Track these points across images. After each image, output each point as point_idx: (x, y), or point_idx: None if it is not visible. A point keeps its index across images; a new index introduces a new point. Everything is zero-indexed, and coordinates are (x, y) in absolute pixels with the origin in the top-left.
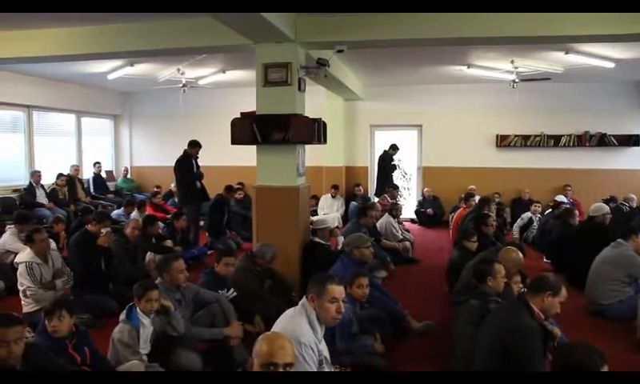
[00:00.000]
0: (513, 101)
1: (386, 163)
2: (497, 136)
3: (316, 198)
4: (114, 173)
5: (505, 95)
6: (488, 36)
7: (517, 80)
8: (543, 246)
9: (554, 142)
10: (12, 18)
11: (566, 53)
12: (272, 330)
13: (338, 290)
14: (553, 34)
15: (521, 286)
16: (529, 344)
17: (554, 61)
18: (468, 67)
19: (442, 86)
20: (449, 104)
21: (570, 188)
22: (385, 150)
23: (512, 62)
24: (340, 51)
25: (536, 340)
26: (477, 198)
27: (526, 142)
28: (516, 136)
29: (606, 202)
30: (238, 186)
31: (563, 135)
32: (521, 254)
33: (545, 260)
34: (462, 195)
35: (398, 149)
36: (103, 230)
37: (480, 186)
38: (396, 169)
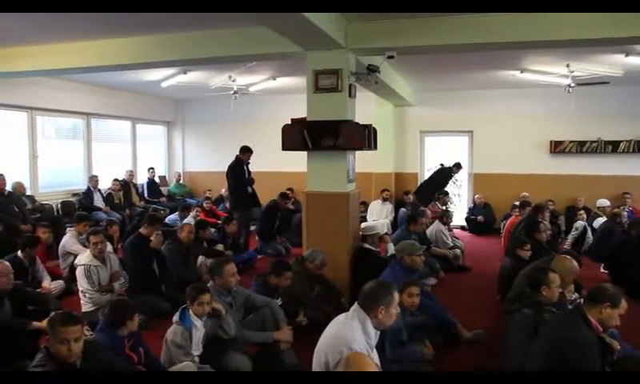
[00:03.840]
0: (568, 106)
1: (445, 179)
2: (551, 142)
3: (365, 205)
4: (167, 178)
5: (559, 100)
6: (543, 39)
7: (572, 84)
8: (600, 255)
9: (612, 148)
10: (72, 30)
11: (627, 55)
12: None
13: (398, 296)
14: (613, 35)
15: (576, 295)
16: (586, 357)
17: (613, 64)
18: (521, 72)
19: (493, 90)
20: (501, 109)
21: (629, 196)
22: (447, 165)
23: (568, 65)
24: (390, 57)
25: (594, 353)
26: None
27: (581, 148)
28: (571, 142)
29: None
30: (287, 191)
31: (622, 141)
32: (576, 263)
33: (602, 270)
34: (516, 202)
35: (461, 168)
36: (154, 234)
37: (533, 193)
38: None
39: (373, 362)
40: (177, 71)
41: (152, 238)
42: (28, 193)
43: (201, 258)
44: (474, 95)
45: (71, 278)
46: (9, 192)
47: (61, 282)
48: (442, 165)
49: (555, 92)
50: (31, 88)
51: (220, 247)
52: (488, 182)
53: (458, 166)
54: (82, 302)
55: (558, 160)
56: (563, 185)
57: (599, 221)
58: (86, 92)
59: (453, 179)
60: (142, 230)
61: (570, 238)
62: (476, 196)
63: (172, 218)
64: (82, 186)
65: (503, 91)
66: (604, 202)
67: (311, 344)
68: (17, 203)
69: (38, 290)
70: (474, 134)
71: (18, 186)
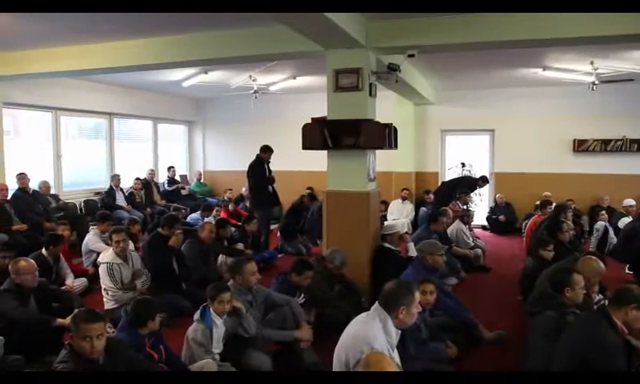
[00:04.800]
0: (592, 103)
1: (470, 188)
2: (574, 140)
3: (385, 204)
4: (188, 177)
5: (583, 98)
6: (566, 37)
7: (596, 82)
8: (625, 255)
9: (638, 146)
10: (95, 32)
11: None
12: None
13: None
14: (638, 32)
15: (600, 297)
16: (611, 359)
17: (638, 60)
18: (543, 69)
19: (515, 89)
20: (523, 108)
21: None
22: (473, 176)
23: (592, 62)
24: (411, 56)
25: (619, 356)
26: (553, 205)
27: (605, 146)
28: (595, 140)
29: None
30: (308, 190)
31: None
32: (601, 264)
33: (627, 271)
34: (537, 202)
35: (487, 182)
36: (175, 233)
37: (555, 193)
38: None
39: (393, 361)
40: (198, 71)
41: (172, 238)
42: (52, 192)
43: (221, 257)
44: (495, 93)
45: (92, 277)
46: (34, 191)
47: (84, 279)
48: (462, 164)
49: (579, 90)
50: (55, 89)
51: (240, 246)
52: (509, 181)
53: (484, 180)
54: (104, 299)
55: (582, 159)
56: (587, 184)
57: (624, 220)
58: (109, 92)
59: (476, 192)
60: (160, 230)
61: (593, 240)
62: (497, 195)
63: (193, 216)
64: (104, 184)
65: (525, 89)
66: (630, 202)
67: (331, 343)
68: (42, 202)
69: (62, 288)
70: (495, 133)
71: (44, 185)
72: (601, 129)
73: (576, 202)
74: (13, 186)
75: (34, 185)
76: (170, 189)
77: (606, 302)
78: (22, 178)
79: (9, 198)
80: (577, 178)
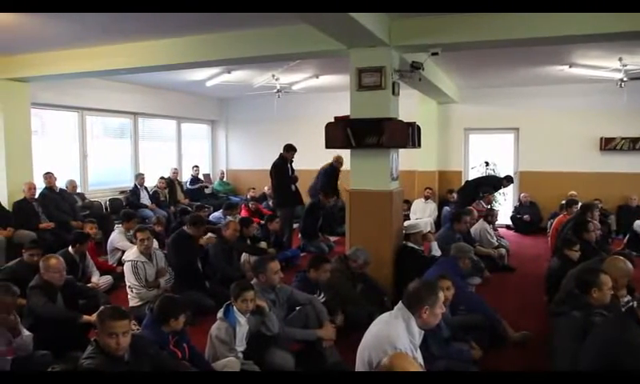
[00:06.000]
0: (620, 101)
1: (494, 188)
2: (601, 139)
3: (408, 203)
4: (211, 176)
5: (611, 95)
6: (593, 33)
7: (625, 79)
8: None
9: None
10: (120, 33)
11: None
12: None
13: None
14: None
15: (628, 298)
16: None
17: None
18: (570, 67)
19: (540, 87)
20: (548, 106)
21: None
22: (497, 175)
23: (620, 59)
24: (435, 54)
25: None
26: (579, 205)
27: (634, 144)
28: (623, 139)
29: None
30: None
31: None
32: (629, 264)
33: None
34: (563, 201)
35: (512, 182)
36: (207, 235)
37: (581, 192)
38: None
39: (416, 362)
40: (221, 70)
41: (203, 238)
42: (78, 190)
43: (244, 256)
44: (520, 91)
45: (118, 275)
46: (60, 189)
47: (109, 277)
48: (486, 163)
49: (606, 87)
50: (82, 89)
51: (263, 244)
52: (534, 180)
53: (508, 180)
54: (129, 296)
55: (609, 157)
56: (614, 183)
57: None
58: (134, 92)
59: (500, 191)
60: (185, 228)
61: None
62: (522, 194)
63: (216, 215)
64: (129, 183)
65: (551, 87)
66: None
67: (354, 342)
68: (68, 200)
69: (88, 285)
70: (519, 131)
71: (71, 184)
72: (629, 127)
73: (603, 201)
74: (40, 184)
75: (60, 184)
76: (192, 187)
77: (635, 303)
78: (48, 177)
79: (36, 196)
80: (604, 176)
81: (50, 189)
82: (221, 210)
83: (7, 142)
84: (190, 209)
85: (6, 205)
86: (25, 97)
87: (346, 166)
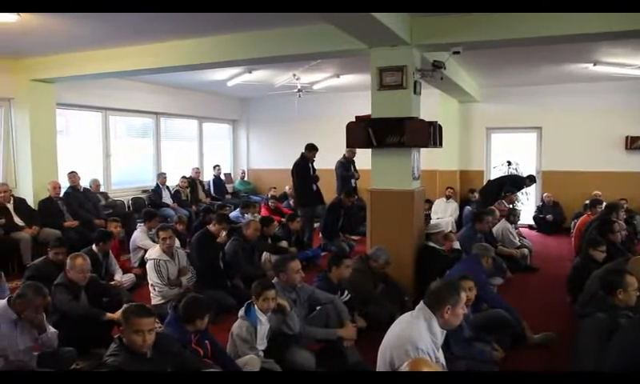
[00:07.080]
0: None
1: (516, 188)
2: (626, 137)
3: (429, 202)
4: (232, 175)
5: (637, 93)
6: (618, 30)
7: None
8: None
9: None
10: (144, 33)
11: None
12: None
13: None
14: None
15: None
16: None
17: None
18: (594, 64)
19: (564, 85)
20: (571, 104)
21: None
22: (520, 174)
23: None
24: (456, 53)
25: None
26: (604, 205)
27: None
28: None
29: None
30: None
31: None
32: None
33: None
34: (587, 201)
35: (534, 181)
36: (222, 231)
37: (606, 192)
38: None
39: (438, 362)
40: (242, 70)
41: (220, 235)
42: (102, 190)
43: (265, 255)
44: (542, 90)
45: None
46: (84, 188)
47: (132, 275)
48: (508, 162)
49: (632, 85)
50: (105, 90)
51: (284, 244)
52: (558, 180)
53: (531, 179)
54: (151, 295)
55: (635, 156)
56: None
57: None
58: (156, 92)
59: (523, 191)
60: (210, 227)
61: None
62: (545, 194)
63: (234, 214)
64: (151, 183)
65: (574, 85)
66: None
67: (374, 342)
68: (92, 199)
69: (111, 283)
70: (542, 130)
71: (94, 183)
72: None
73: (629, 201)
74: (64, 183)
75: (84, 183)
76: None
77: None
78: (72, 176)
79: (61, 195)
80: (629, 176)
81: (74, 188)
82: (238, 209)
83: (33, 141)
84: (212, 208)
85: (32, 203)
86: (50, 97)
87: (367, 164)
